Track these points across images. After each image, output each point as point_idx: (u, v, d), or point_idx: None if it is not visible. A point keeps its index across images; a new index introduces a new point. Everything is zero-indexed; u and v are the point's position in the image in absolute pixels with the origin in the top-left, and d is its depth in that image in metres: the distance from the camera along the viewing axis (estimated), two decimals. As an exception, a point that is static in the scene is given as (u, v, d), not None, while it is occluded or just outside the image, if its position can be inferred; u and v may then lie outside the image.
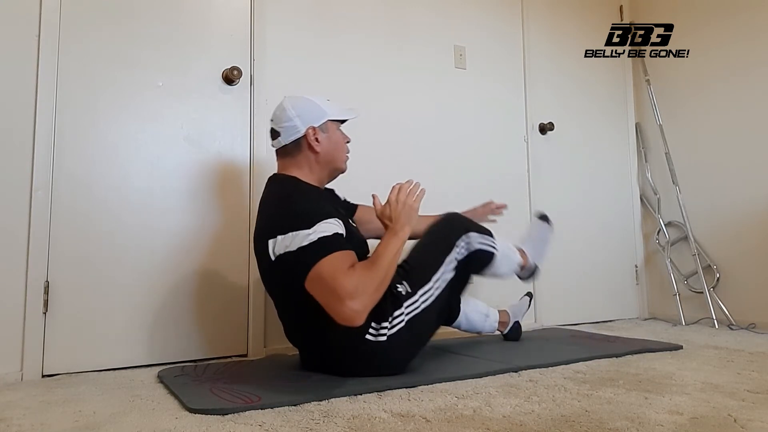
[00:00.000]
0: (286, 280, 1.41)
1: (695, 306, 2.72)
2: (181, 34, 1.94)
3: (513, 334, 2.11)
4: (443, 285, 1.57)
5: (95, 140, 1.77)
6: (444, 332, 2.10)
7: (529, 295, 2.29)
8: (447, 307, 1.69)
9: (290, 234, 1.35)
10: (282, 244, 1.37)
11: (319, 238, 1.33)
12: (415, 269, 1.56)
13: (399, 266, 1.51)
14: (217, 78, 1.98)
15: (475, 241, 1.65)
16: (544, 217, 2.04)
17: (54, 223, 1.69)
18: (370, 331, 1.44)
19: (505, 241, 1.78)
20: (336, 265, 1.31)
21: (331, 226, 1.38)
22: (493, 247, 1.70)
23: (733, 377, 1.52)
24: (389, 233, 1.44)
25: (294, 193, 1.51)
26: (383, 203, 1.50)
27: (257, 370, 1.64)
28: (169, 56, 1.91)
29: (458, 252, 1.62)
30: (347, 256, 1.35)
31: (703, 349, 1.96)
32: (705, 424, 1.10)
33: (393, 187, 1.50)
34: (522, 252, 1.89)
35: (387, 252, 1.39)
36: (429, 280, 1.54)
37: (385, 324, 1.44)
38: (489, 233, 1.71)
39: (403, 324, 1.46)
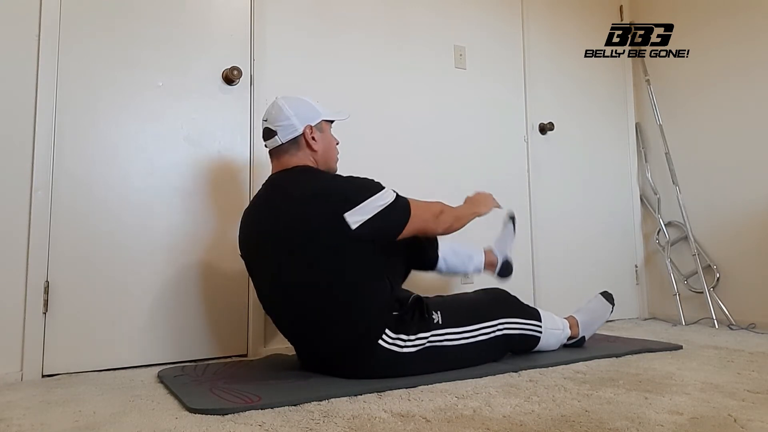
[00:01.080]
0: (360, 249, 1.45)
1: (695, 306, 2.72)
2: (181, 34, 1.94)
3: (504, 271, 2.05)
4: (473, 341, 1.57)
5: (95, 140, 1.77)
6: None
7: (512, 218, 2.17)
8: (422, 244, 1.78)
9: (369, 199, 1.44)
10: (363, 210, 1.43)
11: (395, 194, 1.51)
12: (452, 309, 1.58)
13: (438, 296, 1.67)
14: (217, 78, 1.98)
15: (516, 326, 1.66)
16: (609, 298, 1.97)
17: (54, 223, 1.69)
18: (384, 338, 1.45)
19: (553, 317, 1.79)
20: (420, 203, 1.56)
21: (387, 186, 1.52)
22: (538, 332, 1.71)
23: (733, 377, 1.52)
24: (466, 202, 1.79)
25: (329, 174, 1.59)
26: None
27: (257, 370, 1.64)
28: (169, 56, 1.91)
29: (497, 328, 1.62)
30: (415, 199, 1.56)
31: (703, 349, 1.96)
32: (705, 424, 1.10)
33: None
34: (575, 322, 1.87)
35: (462, 209, 1.71)
36: (461, 326, 1.56)
37: (404, 337, 1.46)
38: (536, 316, 1.72)
39: (422, 347, 1.48)
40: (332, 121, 1.69)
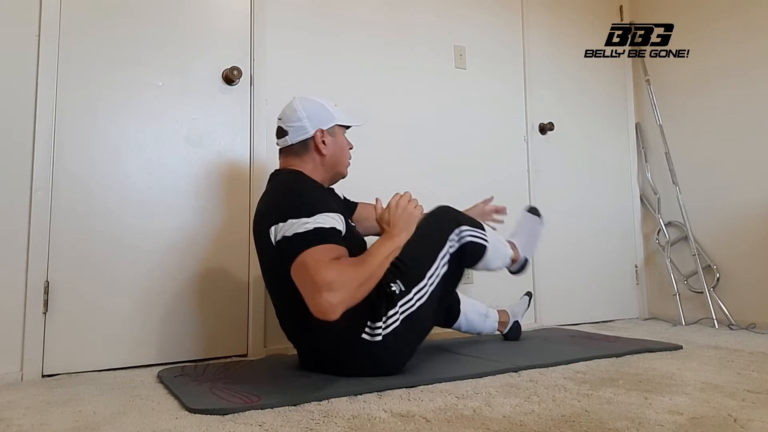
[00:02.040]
0: (282, 269, 1.38)
1: (695, 306, 2.72)
2: (181, 34, 1.94)
3: (513, 333, 2.11)
4: (437, 281, 1.55)
5: (95, 140, 1.77)
6: (444, 333, 2.11)
7: (529, 294, 2.29)
8: (444, 303, 1.67)
9: (290, 221, 1.36)
10: (281, 231, 1.37)
11: (314, 228, 1.34)
12: (408, 267, 1.53)
13: (392, 264, 1.48)
14: (217, 78, 1.98)
15: (466, 233, 1.63)
16: (533, 210, 2.01)
17: (54, 223, 1.69)
18: (366, 330, 1.44)
19: (496, 234, 1.77)
20: (321, 255, 1.30)
21: (331, 220, 1.38)
22: (485, 240, 1.66)
23: (733, 377, 1.52)
24: (385, 236, 1.43)
25: (300, 185, 1.53)
26: (384, 207, 1.50)
27: (257, 370, 1.64)
28: (169, 56, 1.91)
29: (451, 246, 1.60)
30: (336, 249, 1.35)
31: (703, 349, 1.96)
32: (705, 424, 1.10)
33: (395, 194, 1.50)
34: (513, 245, 1.87)
35: (378, 253, 1.38)
36: (423, 277, 1.52)
37: (380, 324, 1.44)
38: (480, 226, 1.69)
39: (398, 323, 1.46)
40: (348, 126, 1.68)
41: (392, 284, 1.49)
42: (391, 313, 1.45)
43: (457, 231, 1.61)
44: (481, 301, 2.06)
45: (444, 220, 1.62)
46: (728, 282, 2.64)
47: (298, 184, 1.53)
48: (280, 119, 1.62)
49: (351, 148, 1.69)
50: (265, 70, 2.05)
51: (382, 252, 1.38)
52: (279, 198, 1.48)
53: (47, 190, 1.68)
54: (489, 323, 2.02)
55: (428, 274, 1.53)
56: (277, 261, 1.40)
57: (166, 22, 1.91)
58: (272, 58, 2.08)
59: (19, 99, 1.67)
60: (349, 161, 1.69)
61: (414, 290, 1.50)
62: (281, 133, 1.60)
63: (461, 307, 1.94)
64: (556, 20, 2.87)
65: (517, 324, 2.12)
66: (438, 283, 1.55)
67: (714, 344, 2.08)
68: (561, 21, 2.88)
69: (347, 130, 1.69)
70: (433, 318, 1.59)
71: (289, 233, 1.35)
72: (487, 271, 1.82)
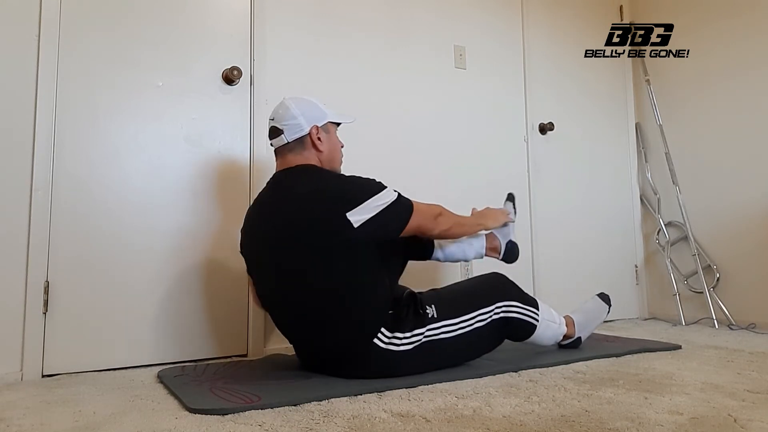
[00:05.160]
0: (359, 248, 1.46)
1: (695, 306, 2.72)
2: (181, 34, 1.94)
3: (509, 254, 1.95)
4: (470, 330, 1.55)
5: (95, 140, 1.77)
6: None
7: (511, 197, 2.06)
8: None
9: (371, 199, 1.45)
10: (366, 209, 1.44)
11: (398, 194, 1.52)
12: (448, 300, 1.57)
13: (432, 290, 1.66)
14: (217, 78, 1.98)
15: (515, 309, 1.64)
16: (606, 299, 1.96)
17: (54, 223, 1.69)
18: (380, 336, 1.45)
19: (551, 311, 1.76)
20: (420, 204, 1.56)
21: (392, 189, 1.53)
22: (535, 319, 1.67)
23: (733, 377, 1.52)
24: (476, 213, 1.82)
25: (333, 173, 1.59)
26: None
27: (257, 370, 1.64)
28: (169, 56, 1.91)
29: (495, 312, 1.60)
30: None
31: (703, 349, 1.96)
32: (705, 424, 1.10)
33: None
34: (570, 321, 1.85)
35: (467, 218, 1.75)
36: (457, 317, 1.54)
37: (399, 335, 1.46)
38: (534, 304, 1.69)
39: (418, 344, 1.48)
40: (338, 124, 1.69)
41: (428, 307, 1.52)
42: (417, 331, 1.48)
43: (505, 302, 1.63)
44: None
45: (496, 286, 1.66)
46: (728, 282, 2.64)
47: (332, 173, 1.59)
48: (272, 119, 1.62)
49: (342, 146, 1.70)
50: (265, 70, 2.05)
51: (471, 219, 1.77)
52: (335, 186, 1.49)
53: (47, 190, 1.68)
54: (475, 248, 1.90)
55: (463, 318, 1.55)
56: (358, 240, 1.44)
57: (166, 22, 1.91)
58: (272, 58, 2.08)
59: (19, 99, 1.67)
60: (342, 159, 1.71)
61: (444, 322, 1.53)
62: (275, 132, 1.60)
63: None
64: (556, 20, 2.87)
65: (511, 244, 1.96)
66: (470, 333, 1.55)
67: (714, 344, 2.08)
68: (561, 21, 2.88)
69: (338, 128, 1.70)
70: (449, 360, 1.58)
71: (381, 207, 1.46)
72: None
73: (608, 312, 1.97)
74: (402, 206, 1.52)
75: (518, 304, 1.65)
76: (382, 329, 1.46)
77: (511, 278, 1.72)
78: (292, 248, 1.45)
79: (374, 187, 1.49)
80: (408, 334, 1.47)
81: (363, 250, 1.47)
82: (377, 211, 1.45)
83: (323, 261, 1.43)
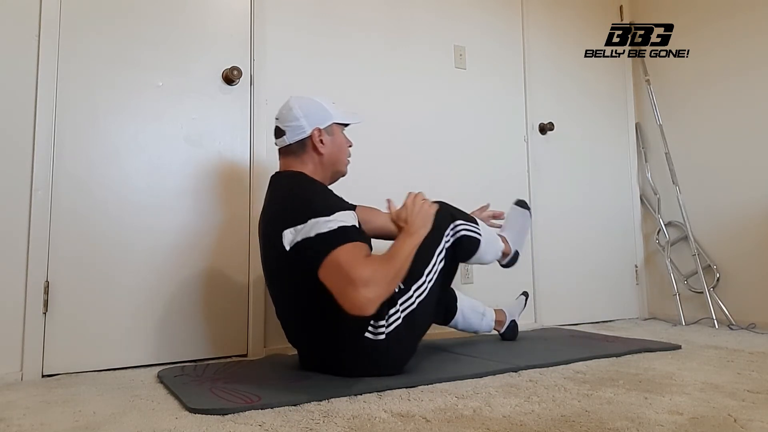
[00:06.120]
0: (297, 272, 1.41)
1: (695, 306, 2.72)
2: (181, 34, 1.94)
3: (510, 333, 2.10)
4: (435, 277, 1.56)
5: (95, 140, 1.77)
6: (442, 332, 2.11)
7: (525, 294, 2.29)
8: (442, 299, 1.68)
9: (310, 222, 1.36)
10: (301, 232, 1.37)
11: (339, 226, 1.36)
12: None
13: None
14: (217, 78, 1.98)
15: (461, 228, 1.66)
16: (522, 203, 2.02)
17: (54, 223, 1.69)
18: (369, 329, 1.44)
19: (488, 228, 1.79)
20: (354, 252, 1.33)
21: (350, 218, 1.41)
22: (479, 234, 1.70)
23: (733, 377, 1.52)
24: (404, 234, 1.44)
25: (308, 185, 1.53)
26: (398, 207, 1.51)
27: (257, 370, 1.64)
28: (169, 56, 1.91)
29: (446, 241, 1.62)
30: (364, 247, 1.38)
31: (703, 349, 1.96)
32: (705, 424, 1.10)
33: (409, 193, 1.53)
34: (504, 239, 1.88)
35: (403, 249, 1.40)
36: (422, 275, 1.53)
37: (382, 323, 1.44)
38: (474, 220, 1.72)
39: (399, 321, 1.46)
40: (346, 124, 1.68)
41: None
42: (392, 312, 1.46)
43: (452, 226, 1.64)
44: (481, 301, 2.06)
45: (440, 216, 1.62)
46: (728, 282, 2.64)
47: (306, 185, 1.53)
48: (277, 119, 1.62)
49: (350, 146, 1.69)
50: (265, 70, 2.05)
51: (407, 248, 1.41)
52: (290, 200, 1.48)
53: (47, 190, 1.68)
54: (486, 322, 2.01)
55: (426, 271, 1.54)
56: (293, 263, 1.40)
57: (166, 22, 1.91)
58: (272, 58, 2.08)
59: (19, 99, 1.67)
60: (349, 159, 1.69)
61: (413, 288, 1.51)
62: (279, 133, 1.60)
63: (458, 304, 1.94)
64: (556, 20, 2.87)
65: (514, 323, 2.12)
66: (436, 279, 1.56)
67: (714, 344, 2.08)
68: (561, 21, 2.88)
69: (345, 128, 1.69)
70: (432, 315, 1.60)
71: (311, 234, 1.36)
72: (480, 265, 1.86)
73: (530, 214, 2.01)
74: (332, 239, 1.33)
75: (461, 222, 1.66)
76: (371, 321, 1.43)
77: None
78: (265, 252, 1.52)
79: (322, 210, 1.38)
80: (387, 318, 1.44)
81: (305, 273, 1.37)
82: (309, 236, 1.35)
83: (294, 268, 1.42)
